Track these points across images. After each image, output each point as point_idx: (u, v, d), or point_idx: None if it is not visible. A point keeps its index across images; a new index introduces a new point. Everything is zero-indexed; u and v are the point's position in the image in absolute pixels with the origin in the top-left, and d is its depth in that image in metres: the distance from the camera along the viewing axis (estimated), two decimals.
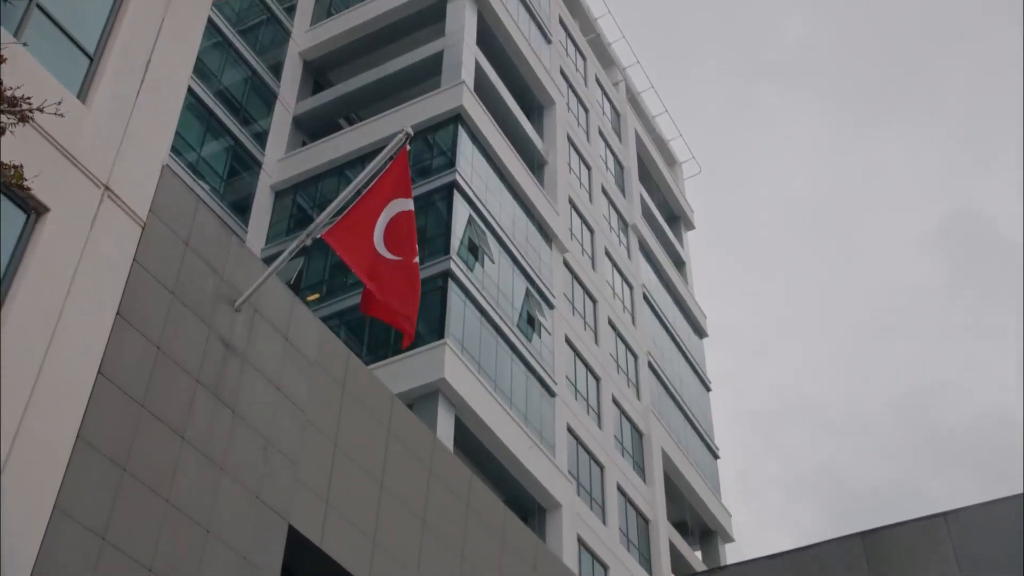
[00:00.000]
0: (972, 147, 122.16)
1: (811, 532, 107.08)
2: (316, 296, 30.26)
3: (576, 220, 38.73)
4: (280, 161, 34.13)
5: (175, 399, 11.11)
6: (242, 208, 32.88)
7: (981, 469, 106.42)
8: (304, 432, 12.70)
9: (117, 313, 10.74)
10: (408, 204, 11.69)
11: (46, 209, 10.22)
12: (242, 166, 33.52)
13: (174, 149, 29.36)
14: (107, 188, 10.95)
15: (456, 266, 28.38)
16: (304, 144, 35.74)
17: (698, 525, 41.19)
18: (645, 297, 42.55)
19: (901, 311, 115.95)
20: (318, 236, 11.93)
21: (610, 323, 38.57)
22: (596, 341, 36.87)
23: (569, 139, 40.23)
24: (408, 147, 11.81)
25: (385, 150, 11.80)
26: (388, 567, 13.19)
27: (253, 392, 12.18)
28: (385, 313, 11.60)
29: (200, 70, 31.52)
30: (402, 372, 26.19)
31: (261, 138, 34.21)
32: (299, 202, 33.51)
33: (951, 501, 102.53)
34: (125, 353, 10.68)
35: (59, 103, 9.01)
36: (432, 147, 31.94)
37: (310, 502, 12.43)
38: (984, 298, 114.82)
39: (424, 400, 25.81)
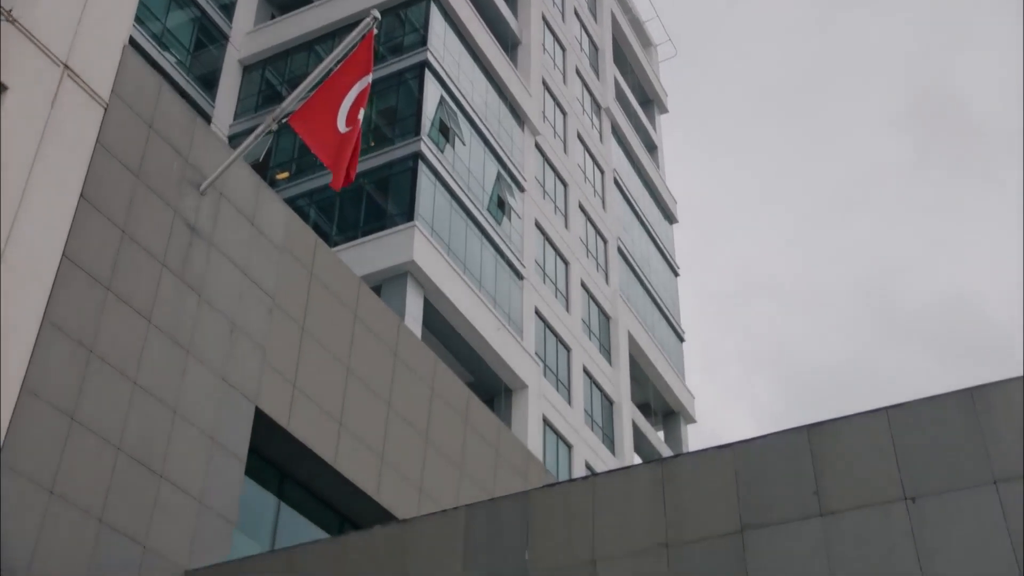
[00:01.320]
0: (944, 27, 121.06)
1: (768, 407, 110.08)
2: (286, 175, 30.04)
3: (549, 102, 38.35)
4: (248, 35, 33.35)
5: (141, 282, 11.16)
6: (209, 83, 32.26)
7: (937, 348, 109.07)
8: (271, 316, 12.83)
9: (80, 196, 10.68)
10: (368, 80, 11.59)
11: (4, 88, 10.04)
12: (209, 39, 32.73)
13: (138, 18, 28.57)
14: (67, 67, 10.74)
15: (426, 147, 28.18)
16: (273, 17, 34.88)
17: (661, 407, 42.21)
18: (616, 181, 42.54)
19: (866, 190, 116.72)
20: (284, 121, 11.83)
21: (580, 207, 38.64)
22: (566, 225, 37.00)
23: (544, 19, 39.50)
24: (376, 31, 11.63)
25: (352, 35, 11.62)
26: (354, 449, 13.53)
27: (219, 276, 12.24)
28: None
29: None
30: (371, 253, 26.27)
31: (228, 10, 33.34)
32: (268, 77, 32.91)
33: (906, 379, 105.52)
34: (89, 236, 10.67)
35: None
36: (403, 23, 31.29)
37: (277, 385, 12.65)
38: (950, 177, 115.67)
39: (393, 281, 25.98)
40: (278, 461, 13.07)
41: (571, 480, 9.83)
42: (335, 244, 27.17)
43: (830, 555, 7.83)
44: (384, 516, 13.58)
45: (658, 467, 8.89)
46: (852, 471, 8.05)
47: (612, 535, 8.77)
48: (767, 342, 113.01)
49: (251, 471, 12.45)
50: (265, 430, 12.44)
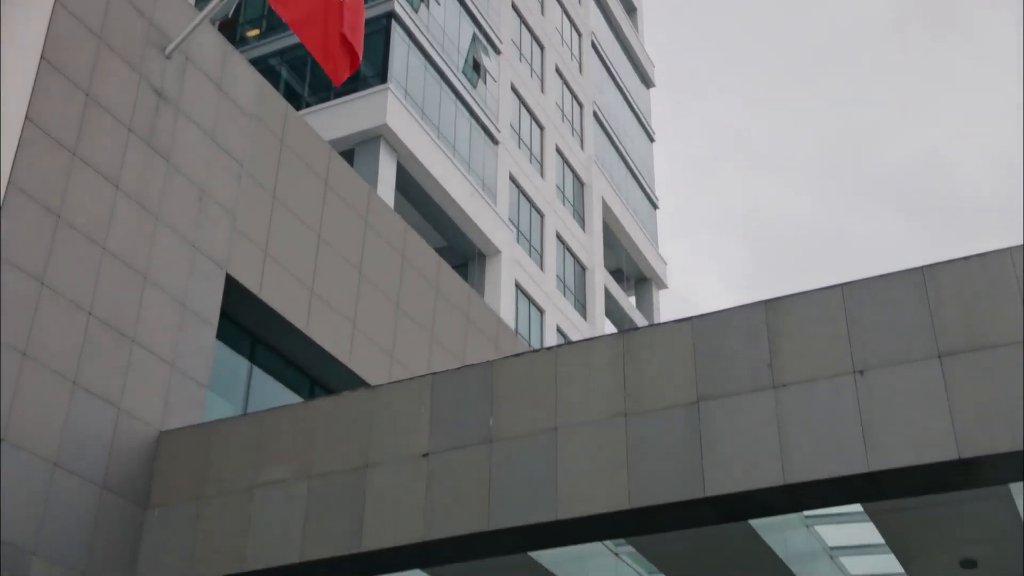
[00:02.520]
0: None
1: (738, 271, 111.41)
2: (256, 32, 29.33)
3: None
4: None
5: (107, 147, 11.07)
6: None
7: (908, 210, 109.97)
8: (240, 183, 12.80)
9: (42, 57, 10.49)
10: None
11: None
12: None
13: None
14: None
15: (400, 7, 27.52)
16: None
17: (634, 272, 42.66)
18: (594, 45, 41.84)
19: (842, 51, 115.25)
20: None
21: (557, 71, 38.10)
22: (542, 89, 36.55)
23: None
24: None
25: None
26: (325, 315, 13.73)
27: (187, 142, 12.14)
28: (322, 54, 11.36)
29: None
30: (344, 116, 25.97)
31: None
32: None
33: (876, 241, 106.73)
34: (52, 99, 10.53)
35: None
36: None
37: (248, 252, 12.72)
38: (929, 39, 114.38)
39: (366, 145, 25.77)
40: (250, 326, 13.25)
41: (534, 350, 10.08)
42: (307, 106, 26.79)
43: (780, 425, 8.16)
44: (355, 381, 13.89)
45: (619, 339, 9.13)
46: (805, 345, 8.32)
47: (573, 404, 9.07)
48: (738, 205, 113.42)
49: (223, 336, 12.65)
50: (236, 296, 12.57)
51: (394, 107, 25.92)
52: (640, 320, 40.15)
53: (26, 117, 10.21)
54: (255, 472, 10.21)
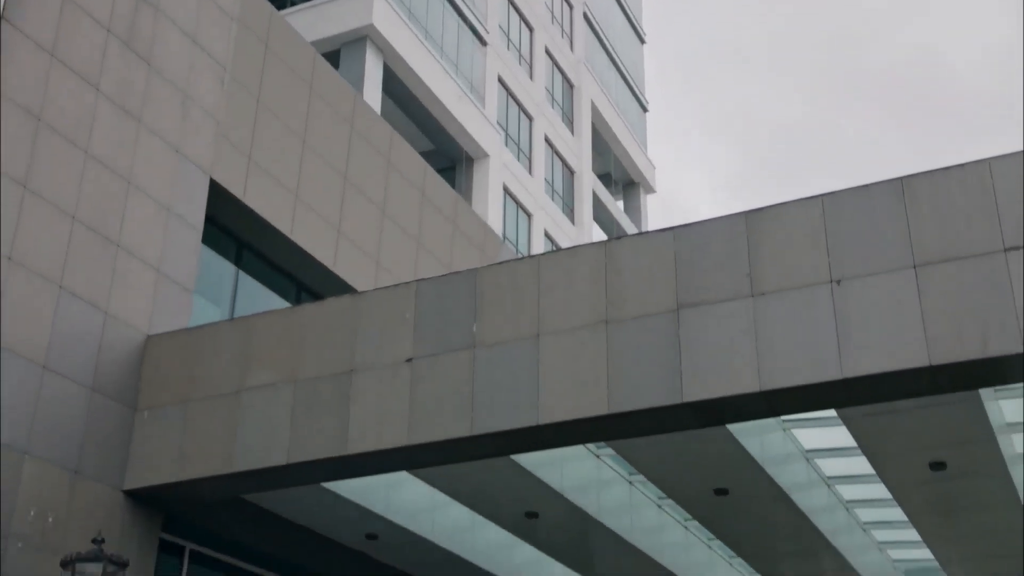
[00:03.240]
0: None
1: (727, 172, 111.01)
2: None
3: None
4: None
5: (86, 49, 10.92)
6: None
7: (902, 110, 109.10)
8: (224, 88, 12.67)
9: None
10: None
11: None
12: None
13: None
14: None
15: None
16: None
17: (622, 177, 42.54)
18: None
19: None
20: None
21: None
22: None
23: None
24: None
25: None
26: (309, 220, 13.74)
27: (168, 45, 11.97)
28: None
29: None
30: (329, 16, 25.50)
31: None
32: None
33: (866, 140, 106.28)
34: None
35: None
36: None
37: (232, 157, 12.67)
38: None
39: (352, 46, 25.38)
40: (235, 232, 13.28)
41: (518, 258, 10.17)
42: (291, 4, 26.29)
43: (758, 333, 8.31)
44: (341, 286, 13.99)
45: (601, 248, 9.21)
46: (784, 255, 8.41)
47: (556, 311, 9.19)
48: (729, 107, 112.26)
49: (208, 241, 12.69)
50: (221, 201, 12.57)
51: (380, 7, 25.46)
52: (628, 224, 40.21)
53: (2, 17, 10.05)
54: (242, 376, 10.36)
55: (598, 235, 38.46)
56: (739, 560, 16.03)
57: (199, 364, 10.66)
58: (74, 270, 10.41)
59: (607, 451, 12.56)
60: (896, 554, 16.28)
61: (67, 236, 10.41)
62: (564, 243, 33.92)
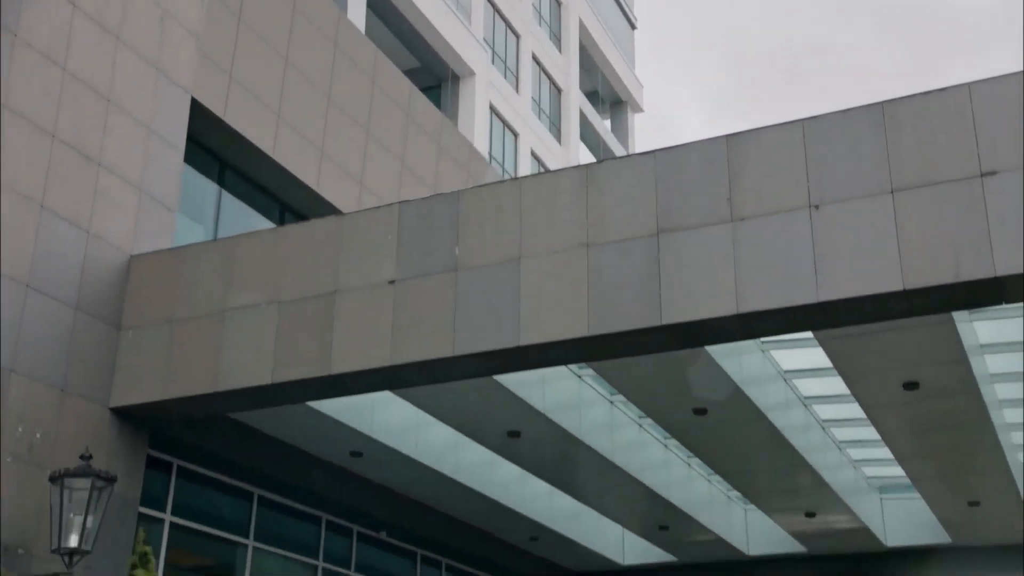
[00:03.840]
0: None
1: (715, 91, 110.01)
2: None
3: None
4: None
5: None
6: None
7: (897, 25, 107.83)
8: (205, 6, 12.47)
9: None
10: None
11: None
12: None
13: None
14: None
15: None
16: None
17: (609, 96, 42.19)
18: None
19: None
20: None
21: None
22: None
23: None
24: None
25: None
26: (292, 140, 13.67)
27: None
28: None
29: None
30: None
31: None
32: None
33: (858, 57, 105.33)
34: None
35: None
36: None
37: (213, 76, 12.53)
38: None
39: None
40: (217, 151, 13.21)
41: (500, 181, 10.18)
42: None
43: (736, 258, 8.40)
44: (325, 207, 13.98)
45: (582, 171, 9.23)
46: (764, 179, 8.46)
47: (537, 234, 9.25)
48: (718, 25, 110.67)
49: (191, 161, 12.62)
50: (202, 120, 12.47)
51: None
52: (614, 144, 40.02)
53: None
54: (225, 297, 10.42)
55: (585, 155, 38.30)
56: (717, 477, 16.40)
57: (183, 284, 10.70)
58: (55, 189, 10.37)
59: (588, 371, 12.74)
60: (870, 471, 16.67)
61: (47, 155, 10.34)
62: (551, 163, 33.78)
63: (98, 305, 10.62)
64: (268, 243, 10.68)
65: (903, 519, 17.42)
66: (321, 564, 14.65)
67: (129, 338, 10.69)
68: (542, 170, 32.99)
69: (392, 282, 9.66)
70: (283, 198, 14.16)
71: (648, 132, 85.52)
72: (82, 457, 8.97)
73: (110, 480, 8.97)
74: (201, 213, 13.28)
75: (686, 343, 9.11)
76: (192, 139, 12.48)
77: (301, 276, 10.16)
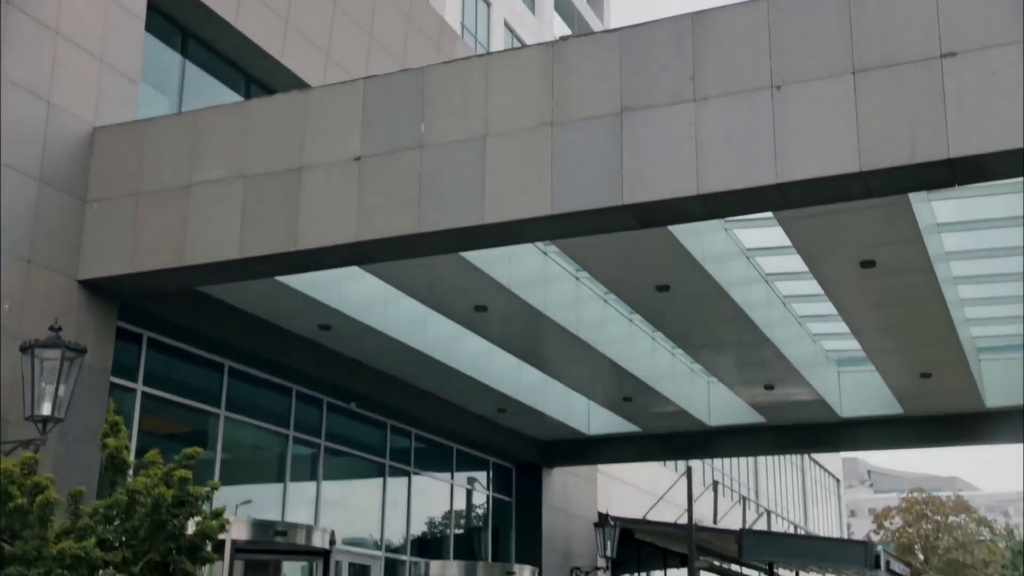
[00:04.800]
0: None
1: None
2: None
3: None
4: None
5: None
6: None
7: None
8: None
9: None
10: None
11: None
12: None
13: None
14: None
15: None
16: None
17: None
18: None
19: None
20: None
21: None
22: None
23: None
24: None
25: None
26: (255, 8, 13.38)
27: None
28: None
29: None
30: None
31: None
32: None
33: None
34: None
35: None
36: None
37: None
38: None
39: None
40: (179, 20, 12.94)
41: (467, 57, 10.10)
42: None
43: (698, 137, 8.47)
44: (292, 81, 13.80)
45: (548, 49, 9.17)
46: (727, 59, 8.46)
47: (503, 112, 9.25)
48: None
49: (153, 30, 12.37)
50: None
51: None
52: (589, 15, 39.33)
53: None
54: (191, 171, 10.40)
55: (559, 26, 37.63)
56: (680, 351, 16.81)
57: (147, 158, 10.65)
58: (11, 57, 10.13)
59: (554, 248, 12.91)
60: (829, 345, 17.14)
61: (1, 22, 10.10)
62: (524, 34, 33.21)
63: (62, 178, 10.56)
64: (233, 117, 10.60)
65: (858, 391, 18.00)
66: (292, 433, 15.05)
67: (95, 211, 10.68)
68: (515, 41, 32.49)
69: (358, 159, 9.67)
70: (248, 70, 13.95)
71: (624, 5, 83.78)
72: (51, 329, 9.10)
73: (80, 351, 9.13)
74: (165, 85, 13.09)
75: (647, 222, 9.25)
76: (153, 8, 12.21)
77: (267, 151, 10.13)
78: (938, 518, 29.93)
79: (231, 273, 10.49)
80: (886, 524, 31.56)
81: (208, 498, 8.15)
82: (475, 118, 9.33)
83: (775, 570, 27.46)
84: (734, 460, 32.26)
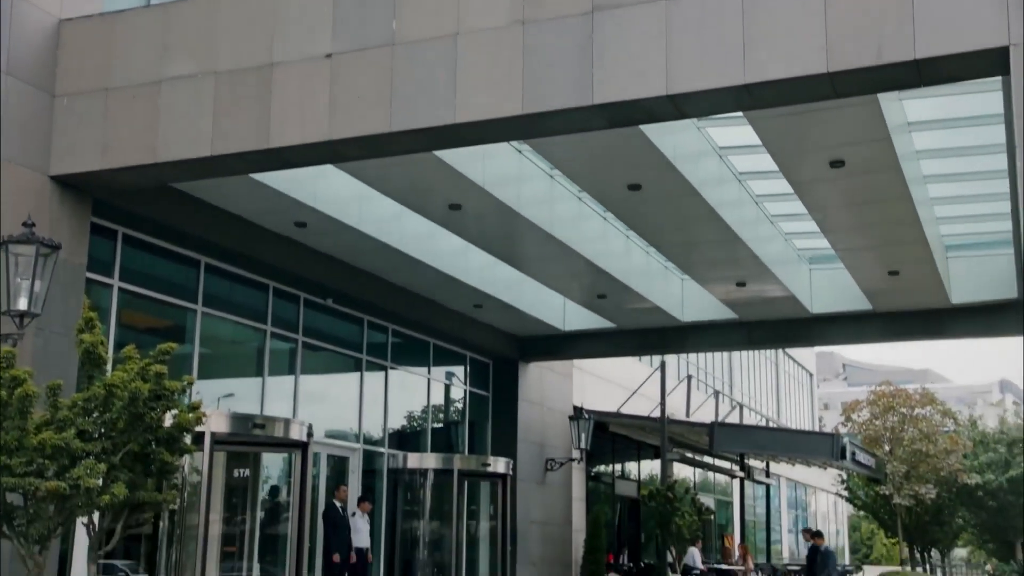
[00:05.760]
0: None
1: None
2: None
3: None
4: None
5: None
6: None
7: None
8: None
9: None
10: None
11: None
12: None
13: None
14: None
15: None
16: None
17: None
18: None
19: None
20: None
21: None
22: None
23: None
24: None
25: None
26: None
27: None
28: None
29: None
30: None
31: None
32: None
33: None
34: None
35: None
36: None
37: None
38: None
39: None
40: None
41: None
42: None
43: (668, 38, 8.48)
44: None
45: None
46: None
47: (475, 9, 9.19)
48: None
49: None
50: None
51: None
52: None
53: None
54: (161, 66, 10.31)
55: None
56: (654, 249, 17.00)
57: (116, 52, 10.54)
58: None
59: (528, 146, 12.93)
60: (801, 243, 17.37)
61: None
62: None
63: (30, 71, 10.44)
64: (202, 11, 10.46)
65: (828, 288, 18.31)
66: (269, 329, 15.25)
67: (64, 106, 10.61)
68: None
69: (329, 56, 9.62)
70: None
71: None
72: (25, 224, 9.13)
73: (54, 247, 9.18)
74: None
75: (617, 123, 9.30)
76: None
77: (237, 46, 10.05)
78: (904, 410, 30.69)
79: (204, 170, 10.51)
80: (854, 417, 32.38)
81: (184, 392, 8.35)
82: (447, 15, 9.28)
83: (746, 461, 28.29)
84: (709, 355, 32.83)
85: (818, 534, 22.13)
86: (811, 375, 49.53)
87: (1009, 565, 41.86)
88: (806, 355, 47.74)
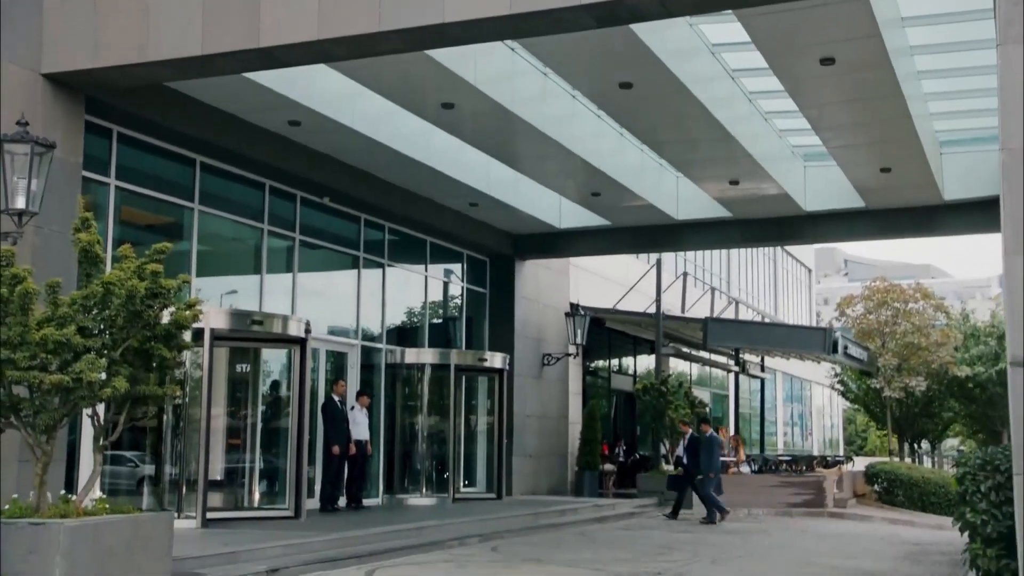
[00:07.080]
0: None
1: None
2: None
3: None
4: None
5: None
6: None
7: None
8: None
9: None
10: None
11: None
12: None
13: None
14: None
15: None
16: None
17: None
18: None
19: None
20: None
21: None
22: None
23: None
24: None
25: None
26: None
27: None
28: None
29: None
30: None
31: None
32: None
33: None
34: None
35: None
36: None
37: None
38: None
39: None
40: None
41: None
42: None
43: None
44: None
45: None
46: None
47: None
48: None
49: None
50: None
51: None
52: None
53: None
54: None
55: None
56: (648, 147, 17.04)
57: None
58: None
59: (519, 44, 12.89)
60: (795, 140, 17.38)
61: None
62: None
63: None
64: None
65: (822, 185, 18.39)
66: (266, 227, 15.43)
67: (54, 3, 10.60)
68: None
69: None
70: None
71: None
72: (18, 123, 9.24)
73: (49, 146, 9.30)
74: None
75: (605, 22, 9.30)
76: None
77: None
78: (897, 305, 30.95)
79: (195, 69, 10.55)
80: (848, 311, 32.68)
81: (180, 290, 8.58)
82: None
83: (741, 356, 28.75)
84: (706, 253, 33.00)
85: (704, 420, 20.45)
86: (810, 271, 49.80)
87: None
88: (805, 251, 47.92)
